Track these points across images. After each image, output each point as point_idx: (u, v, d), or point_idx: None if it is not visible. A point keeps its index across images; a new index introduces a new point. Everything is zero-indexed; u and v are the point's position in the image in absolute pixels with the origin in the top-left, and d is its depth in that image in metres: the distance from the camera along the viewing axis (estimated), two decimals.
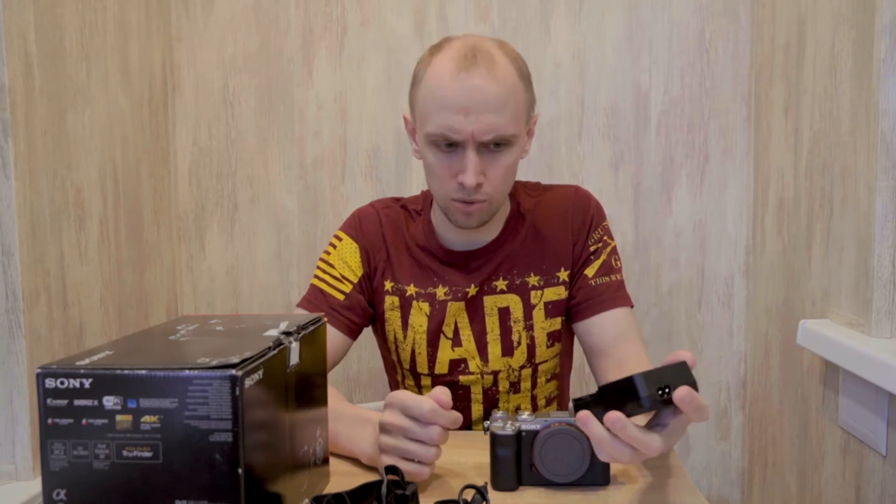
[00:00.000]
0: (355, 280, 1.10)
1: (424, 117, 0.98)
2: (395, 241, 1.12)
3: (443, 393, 0.79)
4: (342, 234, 1.13)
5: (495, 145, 0.96)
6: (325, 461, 0.82)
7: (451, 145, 0.96)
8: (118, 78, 1.45)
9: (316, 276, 1.12)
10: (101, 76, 1.38)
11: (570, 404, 0.82)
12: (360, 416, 0.90)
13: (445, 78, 0.95)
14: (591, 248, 1.09)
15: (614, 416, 0.65)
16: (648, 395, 0.65)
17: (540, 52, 1.64)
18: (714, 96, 1.63)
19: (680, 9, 1.62)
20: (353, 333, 1.11)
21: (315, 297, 1.10)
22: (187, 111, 1.71)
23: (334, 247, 1.13)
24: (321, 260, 1.13)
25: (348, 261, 1.11)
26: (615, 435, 0.67)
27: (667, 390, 0.65)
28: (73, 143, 1.28)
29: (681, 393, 0.64)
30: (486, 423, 0.82)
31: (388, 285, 1.11)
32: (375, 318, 1.14)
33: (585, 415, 0.69)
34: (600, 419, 0.67)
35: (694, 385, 0.66)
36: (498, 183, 0.99)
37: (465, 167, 0.95)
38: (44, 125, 1.19)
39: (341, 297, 1.09)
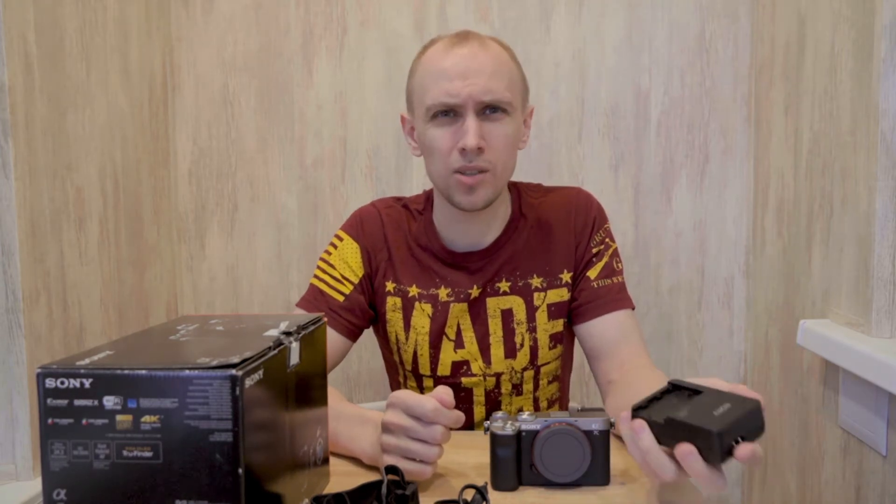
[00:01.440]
0: (356, 281, 1.10)
1: (422, 95, 1.00)
2: (397, 241, 1.11)
3: (445, 392, 0.79)
4: (343, 234, 1.13)
5: (492, 110, 0.98)
6: (325, 461, 0.82)
7: (448, 115, 0.98)
8: (118, 78, 1.45)
9: (316, 276, 1.11)
10: (101, 76, 1.38)
11: (571, 404, 0.83)
12: (360, 415, 0.90)
13: (440, 55, 1.00)
14: (594, 251, 1.09)
15: (687, 449, 0.64)
16: (721, 454, 0.63)
17: (540, 52, 1.64)
18: (714, 96, 1.63)
19: (680, 9, 1.62)
20: (353, 335, 1.10)
21: (314, 298, 1.10)
22: (187, 111, 1.71)
23: (335, 247, 1.12)
24: (321, 260, 1.13)
25: (349, 261, 1.11)
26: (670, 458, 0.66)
27: (740, 440, 0.64)
28: (73, 143, 1.28)
29: (742, 452, 0.63)
30: (487, 423, 0.82)
31: (389, 286, 1.10)
32: (376, 320, 1.14)
33: (640, 424, 0.68)
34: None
35: (761, 430, 0.65)
36: (499, 152, 1.00)
37: (465, 131, 0.97)
38: (44, 125, 1.19)
39: (341, 298, 1.09)
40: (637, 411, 0.70)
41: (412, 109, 1.05)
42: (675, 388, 0.73)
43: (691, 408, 0.67)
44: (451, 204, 1.03)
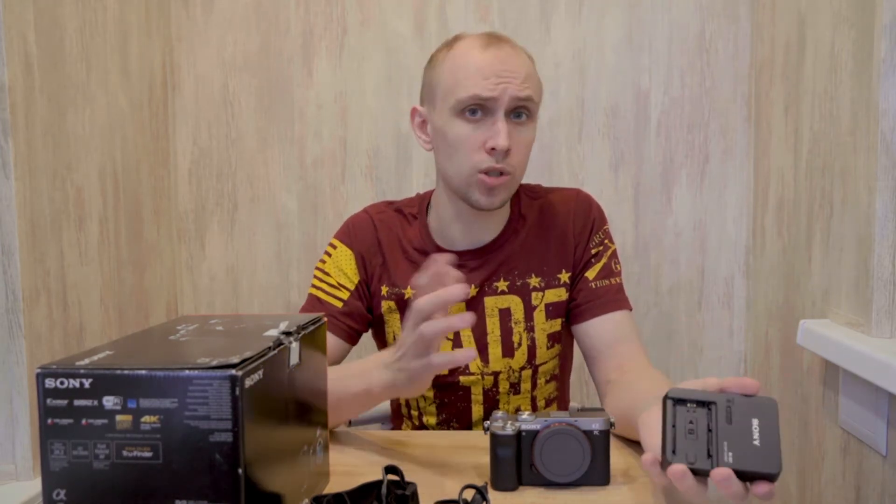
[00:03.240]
0: (352, 287, 1.10)
1: (451, 89, 0.99)
2: (391, 244, 1.11)
3: (442, 259, 0.85)
4: (336, 242, 1.13)
5: (517, 115, 0.99)
6: (325, 461, 0.82)
7: (476, 113, 0.98)
8: (118, 78, 1.45)
9: (313, 286, 1.12)
10: (101, 76, 1.38)
11: (571, 404, 0.82)
12: (364, 360, 0.92)
13: (476, 51, 0.99)
14: (593, 251, 1.10)
15: (724, 472, 0.61)
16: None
17: (540, 52, 1.64)
18: (714, 96, 1.63)
19: (680, 9, 1.62)
20: (353, 339, 1.11)
21: (313, 307, 1.10)
22: (187, 111, 1.71)
23: (329, 255, 1.13)
24: (317, 269, 1.13)
25: (344, 268, 1.11)
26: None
27: None
28: (73, 143, 1.28)
29: (719, 475, 0.61)
30: (487, 423, 0.82)
31: (384, 290, 1.11)
32: (374, 323, 1.14)
33: (682, 472, 0.62)
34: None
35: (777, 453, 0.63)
36: (521, 157, 1.01)
37: (496, 132, 0.97)
38: (44, 125, 1.19)
39: (339, 304, 1.09)
40: (668, 453, 0.64)
41: (431, 102, 1.04)
42: (678, 402, 0.66)
43: (727, 440, 0.63)
44: (465, 202, 1.03)
